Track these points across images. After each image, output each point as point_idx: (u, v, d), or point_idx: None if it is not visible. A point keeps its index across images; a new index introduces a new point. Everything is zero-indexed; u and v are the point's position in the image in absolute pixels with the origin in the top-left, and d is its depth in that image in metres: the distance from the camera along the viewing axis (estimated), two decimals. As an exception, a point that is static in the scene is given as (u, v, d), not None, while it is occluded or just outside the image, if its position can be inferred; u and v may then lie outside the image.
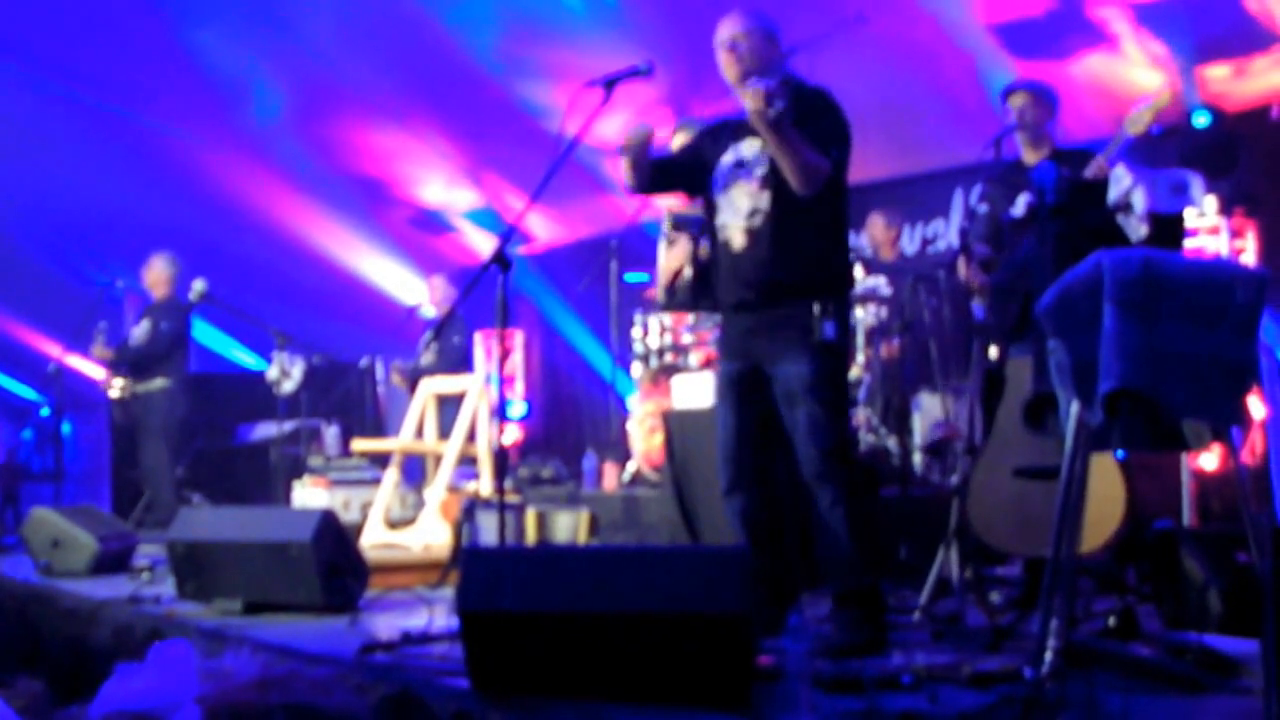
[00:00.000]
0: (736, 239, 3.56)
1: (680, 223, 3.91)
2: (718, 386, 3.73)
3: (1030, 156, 4.39)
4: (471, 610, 2.79)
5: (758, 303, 3.55)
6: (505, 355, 3.80)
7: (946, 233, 7.66)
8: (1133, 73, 6.48)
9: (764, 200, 3.52)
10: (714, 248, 3.70)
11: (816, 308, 3.46)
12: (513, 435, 9.96)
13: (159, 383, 7.49)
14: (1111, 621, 3.38)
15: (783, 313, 3.50)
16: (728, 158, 3.62)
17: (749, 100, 3.31)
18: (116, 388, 7.61)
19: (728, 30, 3.58)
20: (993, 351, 4.36)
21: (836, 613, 3.51)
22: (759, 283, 3.53)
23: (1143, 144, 4.13)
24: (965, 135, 4.92)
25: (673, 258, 3.72)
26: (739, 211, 3.56)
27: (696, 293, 3.74)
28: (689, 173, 3.73)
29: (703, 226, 3.78)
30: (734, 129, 3.64)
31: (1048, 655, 2.70)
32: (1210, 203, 5.97)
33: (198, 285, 7.48)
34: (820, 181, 3.44)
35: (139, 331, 7.59)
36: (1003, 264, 4.38)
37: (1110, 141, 4.09)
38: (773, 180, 3.49)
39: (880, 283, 6.03)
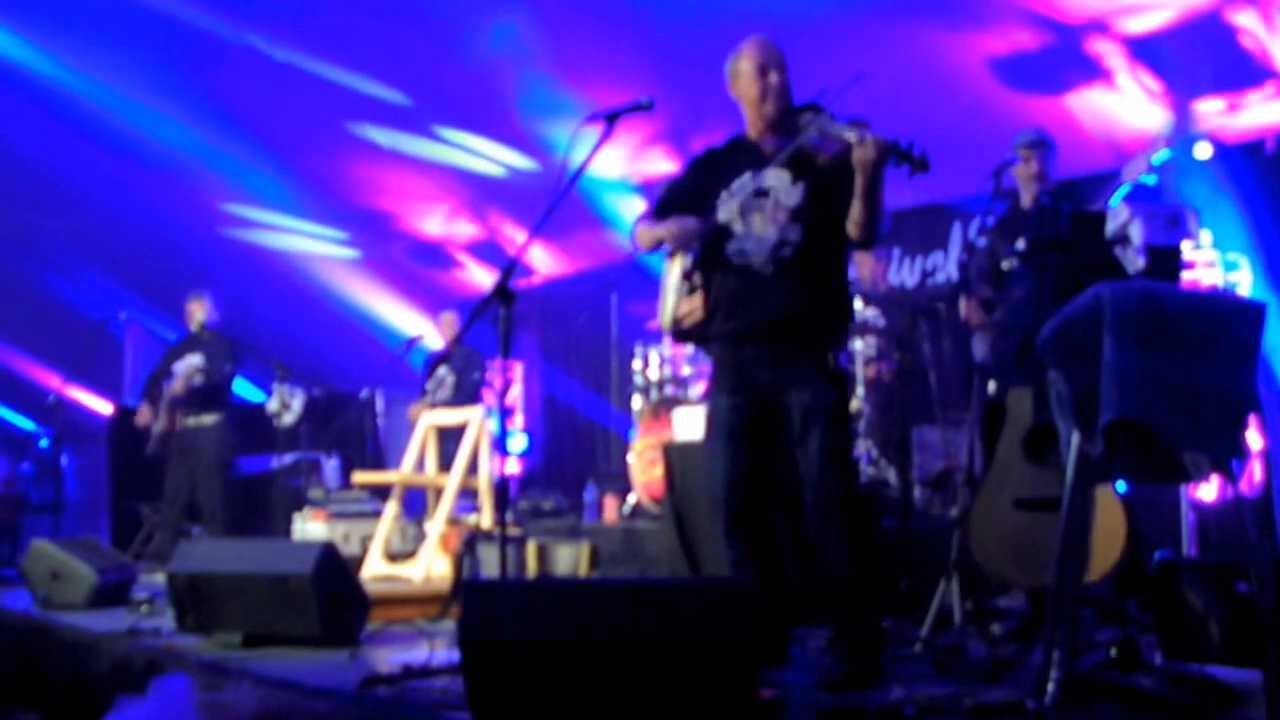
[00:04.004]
0: (760, 268, 3.48)
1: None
2: (716, 421, 3.59)
3: (1028, 199, 4.57)
4: (473, 641, 2.78)
5: (771, 333, 3.47)
6: (506, 387, 3.84)
7: (946, 265, 7.68)
8: (1128, 107, 6.53)
9: (794, 233, 3.46)
10: (720, 273, 3.57)
11: (829, 339, 3.47)
12: (512, 468, 9.95)
13: (209, 418, 7.36)
14: (1113, 652, 3.38)
15: (795, 343, 3.46)
16: (744, 183, 3.52)
17: (870, 148, 3.19)
18: (163, 420, 7.40)
19: (770, 57, 3.50)
20: (991, 387, 4.39)
21: (836, 644, 3.47)
22: (781, 314, 3.46)
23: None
24: (963, 168, 4.95)
25: (695, 301, 3.64)
26: (763, 241, 3.48)
27: (704, 330, 3.68)
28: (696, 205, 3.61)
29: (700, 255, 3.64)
30: (751, 157, 3.54)
31: (1050, 686, 2.70)
32: (1206, 236, 6.00)
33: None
34: (881, 235, 3.42)
35: (194, 364, 7.36)
36: (1002, 302, 4.48)
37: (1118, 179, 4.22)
38: (806, 215, 3.46)
39: (873, 314, 6.06)
